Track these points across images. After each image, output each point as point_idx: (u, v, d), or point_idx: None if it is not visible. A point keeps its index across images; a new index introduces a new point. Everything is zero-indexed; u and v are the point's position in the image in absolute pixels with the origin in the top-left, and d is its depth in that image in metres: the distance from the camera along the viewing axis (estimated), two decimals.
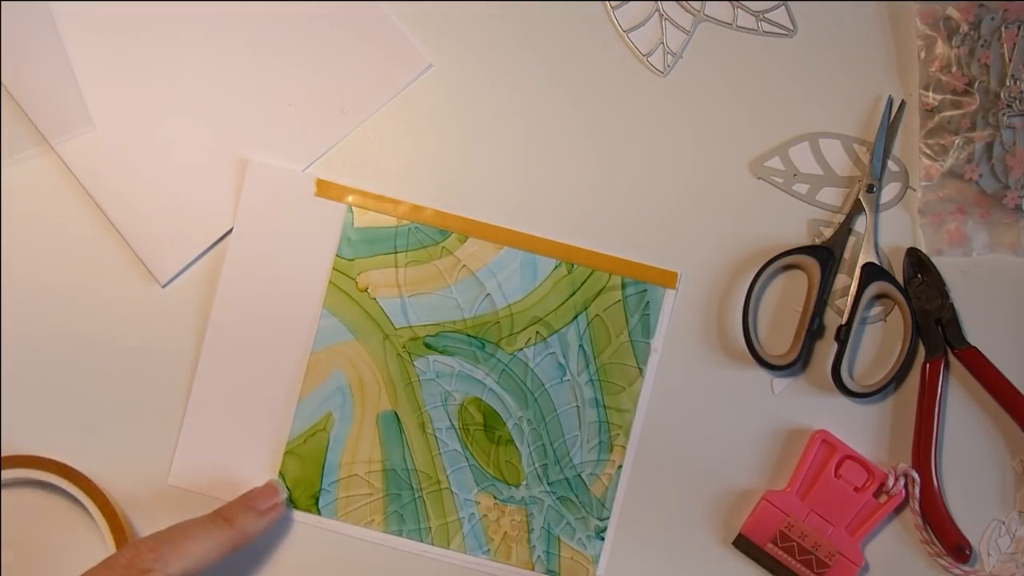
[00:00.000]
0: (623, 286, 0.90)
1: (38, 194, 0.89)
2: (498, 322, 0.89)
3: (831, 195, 0.92)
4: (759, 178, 0.92)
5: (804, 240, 0.91)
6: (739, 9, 0.93)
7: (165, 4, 0.90)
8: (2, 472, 0.84)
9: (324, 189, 0.89)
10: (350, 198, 0.90)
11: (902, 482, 0.87)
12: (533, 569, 0.88)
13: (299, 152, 0.90)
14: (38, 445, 0.88)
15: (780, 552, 0.87)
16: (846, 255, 0.91)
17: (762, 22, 0.93)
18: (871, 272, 0.89)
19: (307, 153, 0.90)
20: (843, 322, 0.89)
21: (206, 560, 0.77)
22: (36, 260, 0.89)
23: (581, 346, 0.89)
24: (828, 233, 0.91)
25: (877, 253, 0.90)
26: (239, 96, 0.90)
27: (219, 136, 0.90)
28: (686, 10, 0.93)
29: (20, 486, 0.87)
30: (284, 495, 0.87)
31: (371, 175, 0.90)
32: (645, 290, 0.90)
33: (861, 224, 0.91)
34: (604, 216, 0.91)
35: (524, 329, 0.89)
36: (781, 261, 0.89)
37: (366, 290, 0.89)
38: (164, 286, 0.89)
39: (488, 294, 0.89)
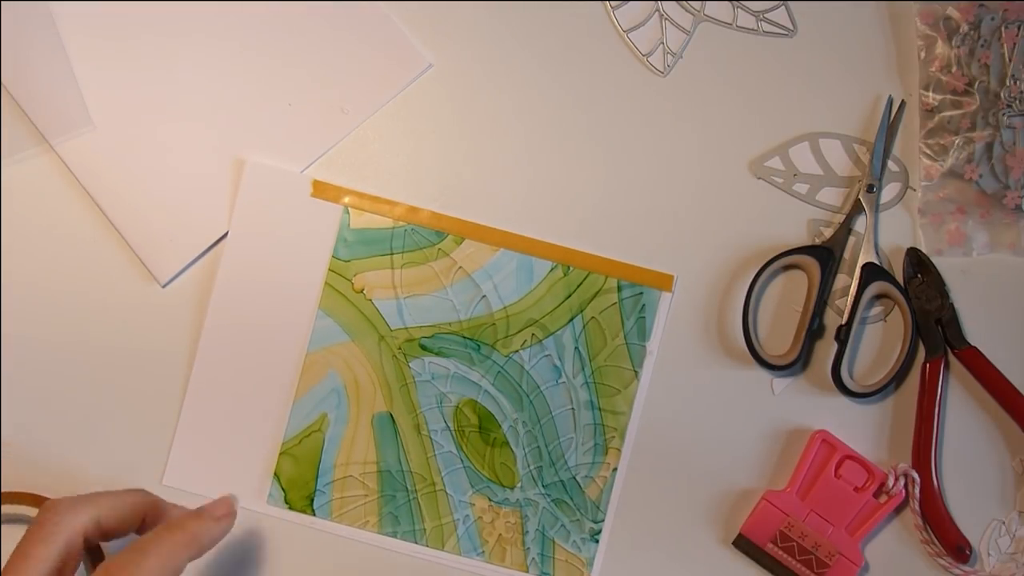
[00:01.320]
0: (619, 289, 0.89)
1: (38, 194, 0.89)
2: (494, 324, 0.89)
3: (831, 195, 0.91)
4: (759, 178, 0.91)
5: (804, 240, 0.91)
6: (739, 9, 0.93)
7: (166, 4, 0.90)
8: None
9: (320, 190, 0.89)
10: (346, 199, 0.90)
11: (902, 482, 0.87)
12: (527, 571, 0.88)
13: (299, 152, 0.90)
14: (36, 442, 0.88)
15: (780, 552, 0.87)
16: (846, 255, 0.90)
17: (762, 22, 0.93)
18: (871, 272, 0.89)
19: (307, 153, 0.91)
20: (843, 322, 0.89)
21: (118, 516, 0.76)
22: (36, 260, 0.89)
23: (577, 348, 0.89)
24: (828, 233, 0.90)
25: (877, 253, 0.90)
26: (239, 96, 0.91)
27: (219, 136, 0.90)
28: (686, 10, 0.93)
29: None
30: (237, 505, 0.84)
31: (370, 175, 0.91)
32: (641, 293, 0.90)
33: (861, 224, 0.91)
34: (603, 217, 0.91)
35: (520, 331, 0.89)
36: (781, 261, 0.89)
37: (362, 291, 0.89)
38: (164, 286, 0.89)
39: (484, 296, 0.89)
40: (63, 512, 0.73)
